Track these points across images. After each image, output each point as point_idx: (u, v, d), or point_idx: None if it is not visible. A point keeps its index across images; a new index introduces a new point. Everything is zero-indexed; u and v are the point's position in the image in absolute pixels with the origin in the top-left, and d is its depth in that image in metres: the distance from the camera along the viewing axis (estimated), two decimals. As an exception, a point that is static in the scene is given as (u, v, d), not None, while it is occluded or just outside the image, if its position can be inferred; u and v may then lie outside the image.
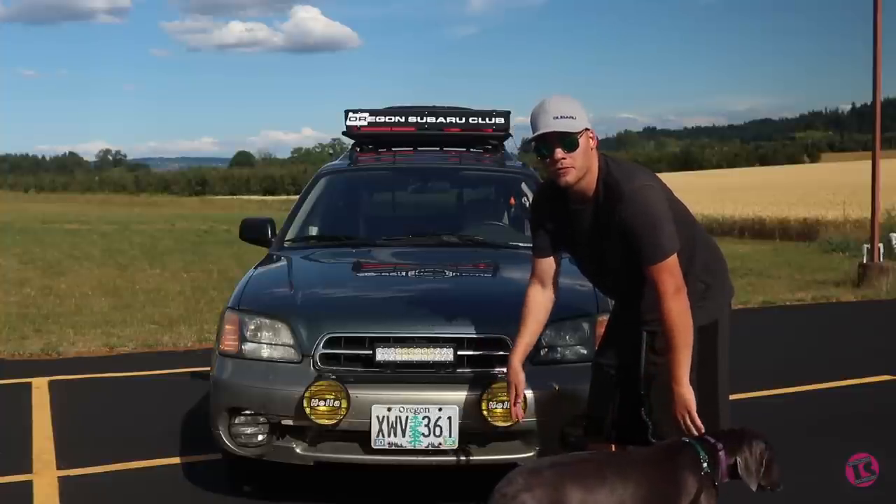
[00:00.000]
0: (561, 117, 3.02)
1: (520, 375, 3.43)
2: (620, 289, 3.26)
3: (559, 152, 3.03)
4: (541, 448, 3.77)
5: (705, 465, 2.84)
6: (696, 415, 3.02)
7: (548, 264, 3.37)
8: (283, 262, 4.84)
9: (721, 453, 2.88)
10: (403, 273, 4.76)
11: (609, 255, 3.14)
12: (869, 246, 12.98)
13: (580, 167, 3.06)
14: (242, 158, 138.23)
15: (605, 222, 3.08)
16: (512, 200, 5.72)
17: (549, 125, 3.02)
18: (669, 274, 3.01)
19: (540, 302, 3.40)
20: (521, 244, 5.13)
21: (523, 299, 3.43)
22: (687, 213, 3.23)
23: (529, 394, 3.65)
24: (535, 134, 3.05)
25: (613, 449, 3.27)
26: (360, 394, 3.68)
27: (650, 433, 3.15)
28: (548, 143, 3.04)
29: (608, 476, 2.77)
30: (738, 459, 2.88)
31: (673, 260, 3.02)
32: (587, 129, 3.07)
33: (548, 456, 3.24)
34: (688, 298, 3.07)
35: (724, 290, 3.30)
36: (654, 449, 2.96)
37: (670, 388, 3.04)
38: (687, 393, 3.02)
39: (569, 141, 3.03)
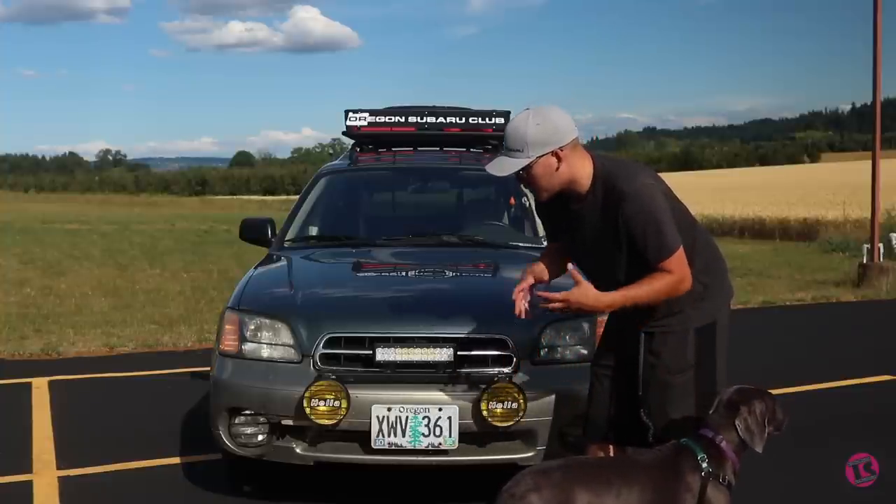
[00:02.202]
0: (507, 150, 3.07)
1: (537, 266, 3.32)
2: (617, 290, 3.24)
3: (521, 178, 3.12)
4: (546, 449, 3.76)
5: (705, 464, 2.84)
6: (565, 306, 3.04)
7: (564, 247, 3.35)
8: (283, 262, 4.84)
9: (723, 444, 2.88)
10: (403, 273, 4.76)
11: (609, 255, 3.13)
12: (869, 246, 12.98)
13: (547, 186, 3.09)
14: (242, 158, 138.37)
15: (608, 223, 3.07)
16: (512, 200, 5.72)
17: (495, 166, 3.10)
18: (677, 265, 3.02)
19: (556, 253, 3.36)
20: (521, 244, 5.13)
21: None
22: (687, 214, 3.23)
23: (529, 393, 3.66)
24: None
25: (612, 449, 3.28)
26: (360, 394, 3.68)
27: (650, 434, 3.15)
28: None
29: (614, 480, 2.79)
30: (738, 429, 2.89)
31: (679, 254, 3.02)
32: (542, 156, 3.02)
33: (553, 458, 3.24)
34: (685, 299, 3.08)
35: (724, 291, 3.30)
36: (657, 453, 2.95)
37: (659, 378, 3.08)
38: (592, 306, 3.04)
39: (519, 176, 3.10)
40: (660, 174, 3.23)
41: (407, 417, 3.68)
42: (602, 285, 3.41)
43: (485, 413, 3.64)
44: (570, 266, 3.12)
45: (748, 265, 15.54)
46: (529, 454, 3.78)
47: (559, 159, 3.04)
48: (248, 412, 3.89)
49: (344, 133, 6.13)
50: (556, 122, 3.04)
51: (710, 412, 2.96)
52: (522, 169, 3.05)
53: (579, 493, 2.71)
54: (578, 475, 2.78)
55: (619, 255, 3.08)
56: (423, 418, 3.68)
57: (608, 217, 3.06)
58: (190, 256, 17.95)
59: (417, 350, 3.78)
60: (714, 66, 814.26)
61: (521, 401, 3.63)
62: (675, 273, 3.01)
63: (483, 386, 3.67)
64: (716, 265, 3.28)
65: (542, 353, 3.87)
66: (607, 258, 3.13)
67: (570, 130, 3.06)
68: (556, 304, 3.06)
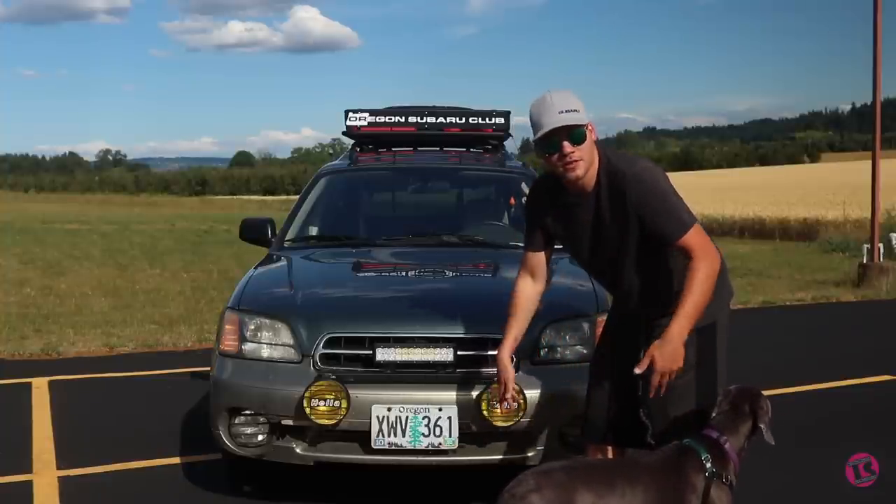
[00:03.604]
0: (566, 111, 3.00)
1: (509, 371, 3.41)
2: (620, 283, 3.24)
3: (567, 146, 3.01)
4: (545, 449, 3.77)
5: (709, 465, 2.84)
6: (673, 376, 2.94)
7: (539, 258, 3.37)
8: (283, 262, 4.84)
9: (727, 444, 2.88)
10: (403, 273, 4.76)
11: (614, 245, 3.12)
12: (869, 246, 12.98)
13: (588, 160, 3.05)
14: (242, 158, 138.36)
15: (613, 212, 3.06)
16: (512, 200, 5.71)
17: (558, 120, 2.99)
18: (699, 238, 2.99)
19: (529, 295, 3.38)
20: (521, 244, 5.11)
21: (511, 291, 3.41)
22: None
23: (529, 393, 3.65)
24: (544, 130, 3.00)
25: (611, 450, 3.27)
26: (360, 394, 3.68)
27: (649, 434, 3.14)
28: (555, 139, 3.02)
29: (617, 481, 2.78)
30: (763, 428, 2.90)
31: (698, 227, 3.01)
32: (588, 122, 3.07)
33: (553, 459, 3.24)
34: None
35: (724, 291, 3.29)
36: (659, 454, 2.95)
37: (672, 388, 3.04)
38: (679, 349, 2.91)
39: (577, 134, 3.00)
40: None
41: (407, 417, 3.68)
42: (605, 276, 3.40)
43: (485, 413, 3.63)
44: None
45: (748, 265, 15.54)
46: (529, 454, 3.79)
47: (593, 131, 3.09)
48: (248, 412, 3.89)
49: (344, 133, 6.13)
50: None
51: (714, 413, 2.96)
52: (585, 127, 3.01)
53: (582, 493, 2.70)
54: (581, 476, 2.77)
55: (626, 243, 3.07)
56: (423, 418, 3.68)
57: (615, 203, 3.04)
58: (190, 256, 17.94)
59: (417, 350, 3.78)
60: (714, 66, 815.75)
61: (521, 401, 3.63)
62: (702, 250, 2.97)
63: (483, 386, 3.67)
64: (716, 265, 3.28)
65: (542, 353, 3.87)
66: (612, 248, 3.12)
67: None
68: (658, 378, 2.94)
